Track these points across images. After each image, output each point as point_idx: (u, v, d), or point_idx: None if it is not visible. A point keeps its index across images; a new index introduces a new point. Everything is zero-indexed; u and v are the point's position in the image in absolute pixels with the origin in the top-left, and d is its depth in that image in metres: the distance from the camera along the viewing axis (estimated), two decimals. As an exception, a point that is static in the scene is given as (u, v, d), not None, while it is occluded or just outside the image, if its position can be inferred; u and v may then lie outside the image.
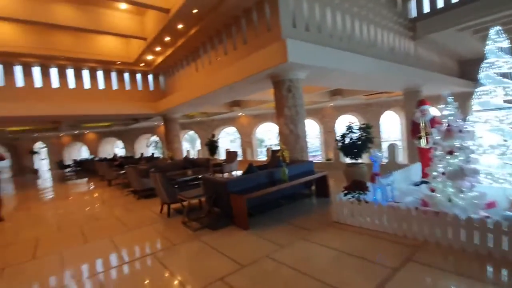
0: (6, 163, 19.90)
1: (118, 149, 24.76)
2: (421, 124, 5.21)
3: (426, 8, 12.13)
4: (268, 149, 10.41)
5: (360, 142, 6.23)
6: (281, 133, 7.75)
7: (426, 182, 5.35)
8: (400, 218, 3.41)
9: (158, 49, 11.08)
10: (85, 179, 13.72)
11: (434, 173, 3.63)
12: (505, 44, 4.33)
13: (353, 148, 6.26)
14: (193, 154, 17.29)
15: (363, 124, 6.45)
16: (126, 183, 8.91)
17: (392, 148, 6.78)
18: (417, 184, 5.38)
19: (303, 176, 5.23)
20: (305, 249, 3.29)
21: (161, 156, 17.12)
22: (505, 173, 3.99)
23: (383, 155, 4.51)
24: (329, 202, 5.05)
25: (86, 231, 4.86)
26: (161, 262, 3.30)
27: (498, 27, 4.44)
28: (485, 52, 4.45)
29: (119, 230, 4.70)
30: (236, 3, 7.79)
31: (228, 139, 28.17)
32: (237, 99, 13.41)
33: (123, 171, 9.10)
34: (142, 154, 18.00)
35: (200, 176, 7.57)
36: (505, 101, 4.34)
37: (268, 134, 29.18)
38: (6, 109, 10.35)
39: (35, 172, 19.75)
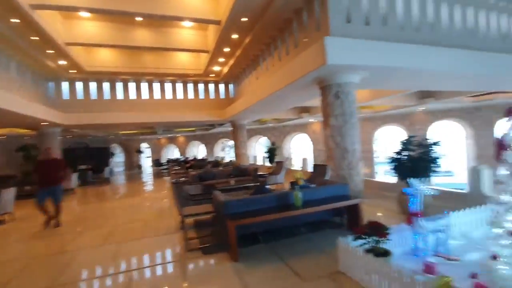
0: (121, 158, 25.04)
1: (196, 151, 27.33)
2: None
3: None
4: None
5: (421, 162, 4.70)
6: (326, 147, 6.74)
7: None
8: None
9: (221, 60, 11.58)
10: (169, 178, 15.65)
11: (497, 230, 2.26)
12: None
13: (409, 170, 4.79)
14: (259, 161, 17.37)
15: (426, 139, 4.86)
16: (182, 186, 9.58)
17: (475, 172, 4.83)
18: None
19: (330, 202, 4.29)
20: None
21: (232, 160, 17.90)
22: None
23: (429, 187, 3.18)
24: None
25: (116, 231, 5.37)
26: (135, 281, 3.22)
27: None
28: None
29: (136, 236, 4.97)
30: (283, 4, 7.25)
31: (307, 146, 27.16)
32: (298, 105, 12.66)
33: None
34: (216, 157, 19.36)
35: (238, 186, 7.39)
36: None
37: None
38: (111, 118, 12.81)
39: (140, 167, 24.06)
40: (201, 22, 8.95)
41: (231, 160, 17.31)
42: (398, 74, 6.94)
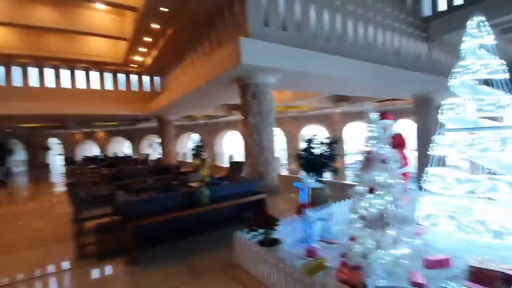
0: (22, 155, 21.16)
1: (120, 148, 25.12)
2: (381, 143, 4.14)
3: (442, 6, 10.58)
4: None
5: (322, 159, 5.25)
6: (245, 144, 6.97)
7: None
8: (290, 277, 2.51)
9: (142, 49, 10.81)
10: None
11: (353, 216, 2.66)
12: (489, 39, 3.17)
13: (313, 166, 5.29)
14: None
15: (328, 138, 5.46)
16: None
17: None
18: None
19: (239, 198, 4.44)
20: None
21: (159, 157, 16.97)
22: (471, 219, 2.88)
23: (314, 180, 3.55)
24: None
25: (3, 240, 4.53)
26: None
27: (481, 17, 3.28)
28: (460, 51, 3.35)
29: (21, 247, 4.27)
30: (204, -1, 7.16)
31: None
32: (226, 103, 12.76)
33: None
34: (141, 154, 18.07)
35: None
36: (480, 118, 3.21)
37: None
38: (5, 108, 10.65)
39: (47, 166, 20.68)
40: (115, 6, 8.18)
41: (158, 158, 16.40)
42: (310, 79, 7.59)
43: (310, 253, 3.18)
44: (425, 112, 11.86)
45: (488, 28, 3.16)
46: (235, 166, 6.42)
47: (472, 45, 3.28)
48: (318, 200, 4.67)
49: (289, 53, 6.30)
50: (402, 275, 2.45)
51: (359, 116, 18.75)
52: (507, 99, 3.00)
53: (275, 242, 3.09)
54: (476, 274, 2.43)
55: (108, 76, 13.11)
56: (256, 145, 6.66)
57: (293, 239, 3.67)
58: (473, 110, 3.02)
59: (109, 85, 13.19)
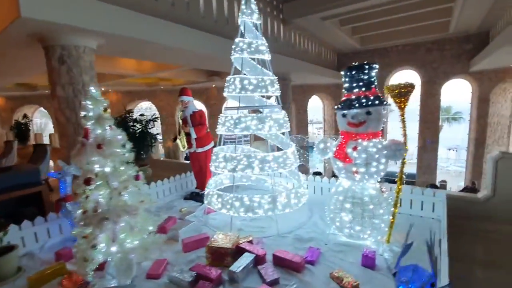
0: None
1: None
2: (179, 121, 3.92)
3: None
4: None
5: (135, 138, 4.68)
6: (57, 121, 5.63)
7: (197, 194, 4.24)
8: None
9: None
10: None
11: (79, 212, 2.23)
12: (255, 19, 3.23)
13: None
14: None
15: (142, 115, 4.91)
16: None
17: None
18: (186, 198, 4.19)
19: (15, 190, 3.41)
20: None
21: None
22: (231, 196, 2.97)
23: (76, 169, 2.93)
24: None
25: None
26: None
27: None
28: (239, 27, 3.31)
29: None
30: None
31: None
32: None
33: None
34: None
35: None
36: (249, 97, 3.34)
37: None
38: None
39: None
40: None
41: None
42: (148, 47, 6.66)
43: (61, 256, 2.65)
44: (283, 91, 13.00)
45: (254, 7, 3.16)
46: (39, 150, 5.10)
47: (243, 22, 3.25)
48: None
49: (110, 13, 5.16)
50: (134, 270, 2.23)
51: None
52: (269, 80, 3.13)
53: (3, 252, 2.37)
54: (213, 252, 2.46)
55: None
56: (72, 124, 5.45)
57: (61, 240, 3.06)
58: (239, 88, 3.03)
59: None
